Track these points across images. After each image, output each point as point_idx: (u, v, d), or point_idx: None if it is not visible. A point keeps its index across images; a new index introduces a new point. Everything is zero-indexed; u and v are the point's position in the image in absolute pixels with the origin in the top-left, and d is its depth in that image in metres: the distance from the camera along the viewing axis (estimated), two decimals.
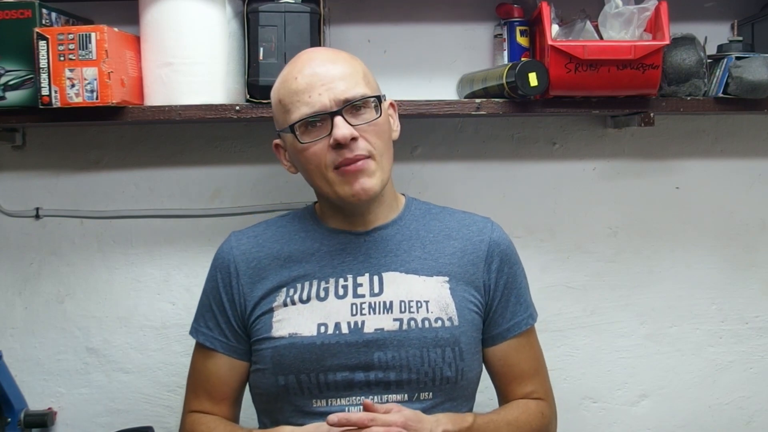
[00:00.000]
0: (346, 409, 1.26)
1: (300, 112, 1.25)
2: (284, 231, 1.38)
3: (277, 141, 1.36)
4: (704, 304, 1.82)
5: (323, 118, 1.24)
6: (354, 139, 1.24)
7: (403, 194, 1.43)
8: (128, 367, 1.79)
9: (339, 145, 1.23)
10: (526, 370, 1.39)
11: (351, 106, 1.25)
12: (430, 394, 1.28)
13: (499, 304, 1.36)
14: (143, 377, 1.78)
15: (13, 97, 1.48)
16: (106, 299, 1.78)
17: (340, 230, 1.35)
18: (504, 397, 1.40)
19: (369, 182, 1.26)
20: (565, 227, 1.79)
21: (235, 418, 1.41)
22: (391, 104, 1.36)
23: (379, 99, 1.29)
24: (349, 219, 1.35)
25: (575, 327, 1.81)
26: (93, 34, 1.44)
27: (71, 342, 1.78)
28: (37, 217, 1.76)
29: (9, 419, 1.71)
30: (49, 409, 1.77)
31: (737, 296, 1.82)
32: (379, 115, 1.28)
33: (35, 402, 1.77)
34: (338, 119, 1.24)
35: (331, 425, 1.16)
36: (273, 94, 1.33)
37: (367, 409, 1.19)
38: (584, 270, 1.80)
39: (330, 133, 1.24)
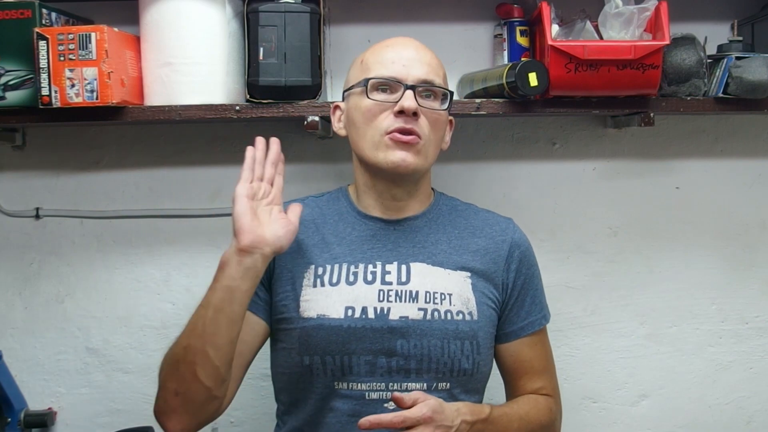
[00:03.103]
0: (366, 394, 1.29)
1: (378, 72, 1.33)
2: (319, 212, 1.43)
3: (338, 103, 1.42)
4: (704, 304, 1.82)
5: (396, 87, 1.33)
6: (415, 114, 1.31)
7: (433, 189, 1.47)
8: (128, 367, 1.79)
9: (401, 114, 1.31)
10: (537, 367, 1.43)
11: (423, 89, 1.33)
12: (448, 384, 1.31)
13: (515, 302, 1.41)
14: (143, 377, 1.78)
15: (13, 97, 1.48)
16: (106, 299, 1.78)
17: (371, 216, 1.40)
18: (513, 392, 1.44)
19: (411, 158, 1.32)
20: (565, 227, 1.79)
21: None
22: (451, 120, 1.44)
23: (451, 95, 1.38)
24: (381, 201, 1.39)
25: (575, 327, 1.81)
26: (93, 34, 1.44)
27: (71, 342, 1.78)
28: (37, 217, 1.76)
29: (9, 419, 1.71)
30: (49, 409, 1.77)
31: (737, 296, 1.82)
32: (444, 108, 1.36)
33: (35, 402, 1.77)
34: (409, 92, 1.31)
35: (364, 429, 1.17)
36: (356, 58, 1.41)
37: (396, 401, 1.21)
38: (584, 270, 1.80)
39: (397, 102, 1.31)
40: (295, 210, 1.31)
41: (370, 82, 1.32)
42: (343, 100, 1.41)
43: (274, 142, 1.32)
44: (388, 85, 1.33)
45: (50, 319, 1.78)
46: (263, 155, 1.31)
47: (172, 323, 1.78)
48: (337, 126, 1.42)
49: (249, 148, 1.30)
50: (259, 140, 1.32)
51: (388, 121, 1.31)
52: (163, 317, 1.78)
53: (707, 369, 1.83)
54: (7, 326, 1.78)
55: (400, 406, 1.20)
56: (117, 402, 1.79)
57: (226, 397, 1.30)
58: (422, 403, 1.20)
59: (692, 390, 1.83)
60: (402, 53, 1.35)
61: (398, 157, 1.31)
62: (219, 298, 1.22)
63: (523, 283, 1.41)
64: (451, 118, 1.44)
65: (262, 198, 1.28)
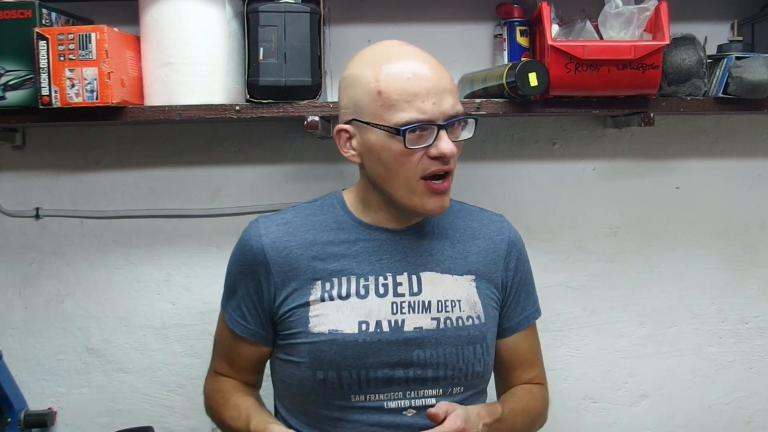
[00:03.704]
0: (384, 404, 1.29)
1: (410, 115, 1.23)
2: (315, 220, 1.37)
3: (344, 126, 1.30)
4: (704, 304, 1.82)
5: (428, 128, 1.24)
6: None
7: None
8: (128, 367, 1.79)
9: (437, 157, 1.25)
10: (531, 358, 1.45)
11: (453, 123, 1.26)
12: (462, 388, 1.33)
13: (513, 299, 1.42)
14: (143, 377, 1.78)
15: (13, 97, 1.48)
16: (106, 299, 1.78)
17: (375, 226, 1.36)
18: (507, 383, 1.45)
19: (446, 201, 1.30)
20: (565, 227, 1.79)
21: (256, 383, 1.46)
22: None
23: (476, 121, 1.31)
24: (389, 216, 1.35)
25: (575, 327, 1.81)
26: (93, 34, 1.44)
27: (71, 342, 1.78)
28: (37, 217, 1.76)
29: (9, 419, 1.71)
30: (49, 409, 1.77)
31: (737, 296, 1.82)
32: (470, 135, 1.30)
33: (35, 402, 1.77)
34: (444, 132, 1.25)
35: None
36: (369, 80, 1.25)
37: (431, 418, 1.22)
38: (584, 270, 1.80)
39: (431, 144, 1.24)
40: None
41: (408, 133, 1.22)
42: (348, 123, 1.30)
43: None
44: (421, 128, 1.24)
45: (50, 319, 1.78)
46: None
47: (172, 323, 1.78)
48: (349, 153, 1.31)
49: None
50: None
51: (423, 163, 1.25)
52: (163, 317, 1.78)
53: (707, 369, 1.83)
54: (7, 326, 1.78)
55: (435, 421, 1.22)
56: (117, 402, 1.79)
57: None
58: (453, 414, 1.21)
59: (692, 390, 1.83)
60: (425, 85, 1.23)
61: (437, 205, 1.28)
62: None
63: (520, 280, 1.42)
64: None
65: None
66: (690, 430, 1.83)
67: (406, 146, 1.23)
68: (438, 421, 1.21)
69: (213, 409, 1.41)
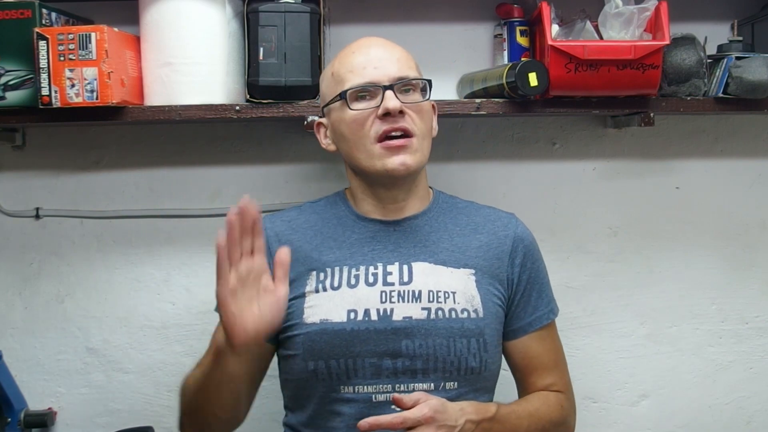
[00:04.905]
0: (373, 396, 1.28)
1: (353, 81, 1.32)
2: (317, 217, 1.42)
3: (320, 120, 1.40)
4: (704, 304, 1.82)
5: (374, 91, 1.31)
6: (401, 112, 1.30)
7: (431, 187, 1.46)
8: (128, 367, 1.79)
9: (386, 116, 1.29)
10: (546, 363, 1.41)
11: (401, 86, 1.31)
12: (455, 383, 1.30)
13: (521, 298, 1.40)
14: (143, 377, 1.78)
15: (13, 97, 1.48)
16: (106, 299, 1.78)
17: (370, 218, 1.39)
18: (524, 389, 1.43)
19: (410, 159, 1.31)
20: (565, 227, 1.79)
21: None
22: (433, 105, 1.41)
23: (429, 84, 1.35)
24: (381, 205, 1.38)
25: (575, 327, 1.81)
26: (93, 34, 1.44)
27: (71, 342, 1.78)
28: (37, 217, 1.76)
29: (9, 419, 1.71)
30: (49, 409, 1.77)
31: (737, 296, 1.82)
32: (426, 98, 1.35)
33: (35, 402, 1.77)
34: (389, 92, 1.30)
35: (364, 430, 1.17)
36: (325, 71, 1.40)
37: (396, 402, 1.20)
38: (584, 270, 1.80)
39: (379, 105, 1.30)
40: (284, 264, 1.17)
41: (348, 93, 1.31)
42: (323, 116, 1.40)
43: (246, 207, 1.15)
44: (367, 91, 1.31)
45: (50, 319, 1.78)
46: (237, 234, 1.15)
47: (172, 323, 1.78)
48: (325, 142, 1.40)
49: (218, 242, 1.15)
50: (230, 221, 1.15)
51: (376, 126, 1.30)
52: (163, 317, 1.78)
53: (707, 369, 1.83)
54: (7, 326, 1.78)
55: (400, 407, 1.19)
56: (117, 402, 1.79)
57: (243, 415, 1.36)
58: (423, 403, 1.18)
59: (692, 390, 1.83)
60: (370, 55, 1.33)
61: (396, 162, 1.30)
62: (220, 378, 1.25)
63: (529, 278, 1.40)
64: (433, 103, 1.41)
65: (246, 277, 1.17)
66: (690, 430, 1.83)
67: (349, 107, 1.30)
68: (404, 408, 1.19)
69: (191, 391, 1.33)
